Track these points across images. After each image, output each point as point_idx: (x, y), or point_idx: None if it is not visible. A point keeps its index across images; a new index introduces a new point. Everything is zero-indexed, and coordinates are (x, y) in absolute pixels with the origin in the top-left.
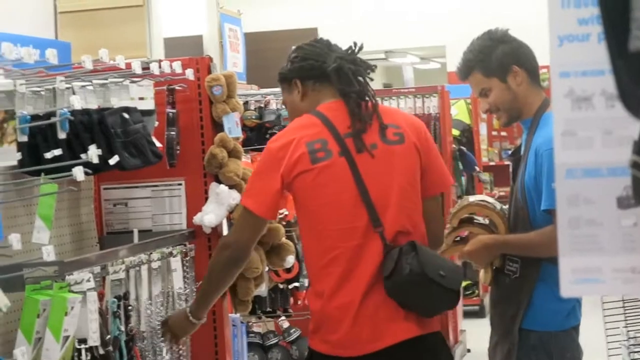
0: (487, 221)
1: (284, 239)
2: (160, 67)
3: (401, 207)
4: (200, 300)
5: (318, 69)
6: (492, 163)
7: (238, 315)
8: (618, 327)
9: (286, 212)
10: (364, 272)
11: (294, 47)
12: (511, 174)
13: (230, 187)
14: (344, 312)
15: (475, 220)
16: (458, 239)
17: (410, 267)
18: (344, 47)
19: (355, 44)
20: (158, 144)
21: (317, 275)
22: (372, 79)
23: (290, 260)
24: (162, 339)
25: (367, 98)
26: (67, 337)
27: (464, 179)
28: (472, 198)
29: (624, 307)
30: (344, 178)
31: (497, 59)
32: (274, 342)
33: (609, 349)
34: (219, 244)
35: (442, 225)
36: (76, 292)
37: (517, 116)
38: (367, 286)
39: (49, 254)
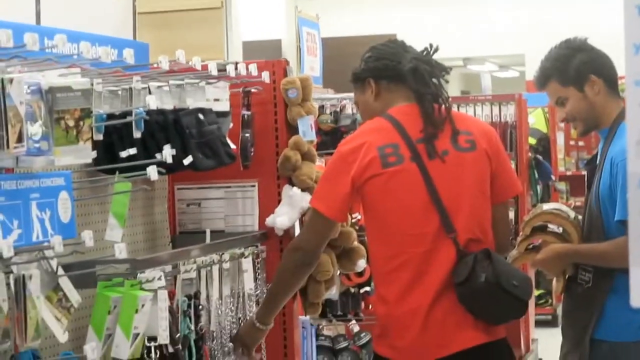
0: (560, 230)
1: (355, 243)
2: (236, 69)
3: (472, 214)
4: (267, 304)
5: (392, 69)
6: (568, 173)
7: (308, 317)
8: None
9: (359, 216)
10: (434, 278)
11: (368, 48)
12: (586, 182)
13: (303, 190)
14: (412, 317)
15: (548, 229)
16: (531, 247)
17: (486, 275)
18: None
19: (430, 45)
20: (232, 146)
21: (384, 280)
22: (447, 82)
23: (362, 264)
24: (235, 356)
25: (440, 101)
26: (137, 335)
27: (539, 188)
28: (546, 206)
29: None
30: (415, 183)
31: (575, 68)
32: (344, 345)
33: None
34: (288, 247)
35: (509, 232)
36: (147, 290)
37: (595, 125)
38: (437, 292)
39: (121, 251)
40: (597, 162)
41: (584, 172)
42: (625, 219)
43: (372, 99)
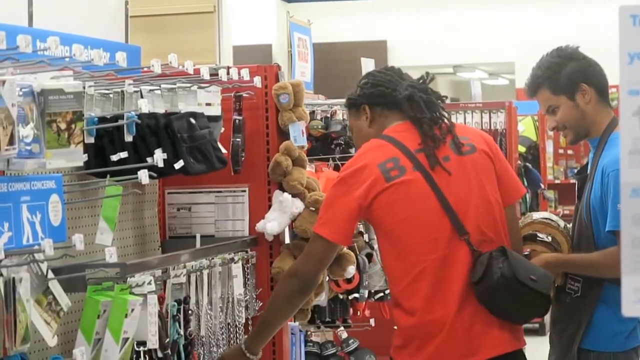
0: (550, 239)
1: (345, 249)
2: (228, 73)
3: (481, 215)
4: (259, 332)
5: (389, 96)
6: (557, 181)
7: (297, 323)
8: None
9: None
10: (454, 282)
11: (364, 74)
12: (577, 192)
13: (294, 195)
14: (439, 325)
15: (538, 238)
16: None
17: (502, 271)
18: (414, 60)
19: (427, 73)
20: (223, 150)
21: (405, 292)
22: (444, 105)
23: (351, 270)
24: None
25: (440, 124)
26: (126, 339)
27: (528, 196)
28: (536, 215)
29: None
30: (421, 191)
31: (566, 76)
32: (332, 352)
33: None
34: (285, 274)
35: (520, 234)
36: (137, 295)
37: (585, 134)
38: (461, 297)
39: (111, 255)
40: (588, 171)
41: (574, 181)
42: (616, 229)
43: (366, 125)
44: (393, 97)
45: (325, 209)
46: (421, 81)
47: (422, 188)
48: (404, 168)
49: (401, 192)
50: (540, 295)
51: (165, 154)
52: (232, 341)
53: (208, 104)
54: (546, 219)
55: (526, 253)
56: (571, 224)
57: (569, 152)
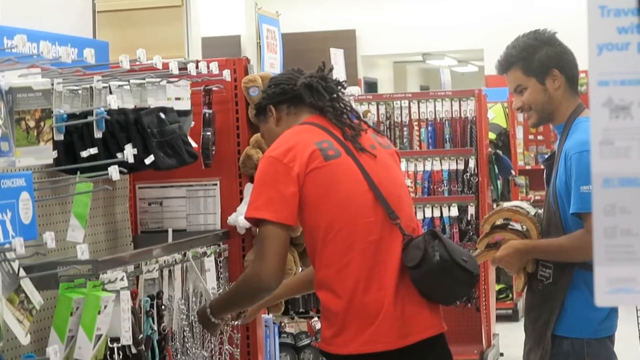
0: (523, 227)
1: None
2: (197, 67)
3: (405, 203)
4: (222, 306)
5: (290, 92)
6: (528, 167)
7: (271, 315)
8: None
9: None
10: (389, 266)
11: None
12: (545, 179)
13: None
14: (375, 309)
15: (509, 227)
16: (491, 244)
17: (440, 253)
18: (383, 48)
19: (323, 63)
20: (194, 144)
21: (337, 275)
22: (344, 90)
23: None
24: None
25: (344, 112)
26: (99, 336)
27: (499, 183)
28: (507, 204)
29: None
30: (354, 175)
31: (540, 60)
32: (306, 342)
33: None
34: (247, 276)
35: None
36: (109, 291)
37: (548, 119)
38: (396, 280)
39: (83, 252)
40: (552, 162)
41: (544, 167)
42: (580, 211)
43: (274, 124)
44: (294, 92)
45: (259, 192)
46: (318, 71)
47: (355, 173)
48: (338, 151)
49: (338, 174)
50: (472, 275)
51: (135, 150)
52: (205, 335)
53: (177, 99)
54: (515, 206)
55: (496, 241)
56: (542, 211)
57: (539, 137)
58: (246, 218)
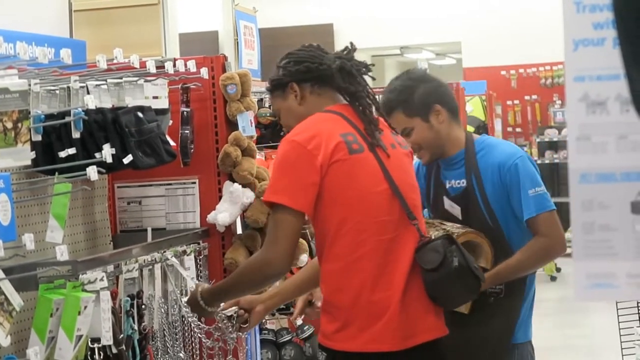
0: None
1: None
2: (174, 65)
3: (418, 207)
4: (218, 294)
5: (315, 71)
6: None
7: None
8: (632, 327)
9: None
10: (400, 266)
11: (283, 56)
12: (461, 212)
13: (244, 185)
14: (383, 307)
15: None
16: None
17: (458, 259)
18: (361, 42)
19: (351, 43)
20: (172, 143)
21: (345, 270)
22: (373, 78)
23: (304, 258)
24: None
25: (370, 99)
26: (80, 337)
27: None
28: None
29: (638, 307)
30: (375, 172)
31: (419, 98)
32: (288, 339)
33: (623, 348)
34: (257, 260)
35: None
36: (89, 291)
37: (440, 153)
38: (405, 280)
39: (62, 253)
40: (465, 184)
41: (454, 206)
42: (536, 213)
43: (296, 103)
44: (320, 72)
45: (279, 175)
46: (346, 52)
47: (376, 170)
48: (362, 146)
49: (359, 168)
50: (479, 283)
51: (113, 149)
52: (186, 334)
53: (155, 97)
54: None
55: None
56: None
57: (518, 130)
58: (263, 200)
